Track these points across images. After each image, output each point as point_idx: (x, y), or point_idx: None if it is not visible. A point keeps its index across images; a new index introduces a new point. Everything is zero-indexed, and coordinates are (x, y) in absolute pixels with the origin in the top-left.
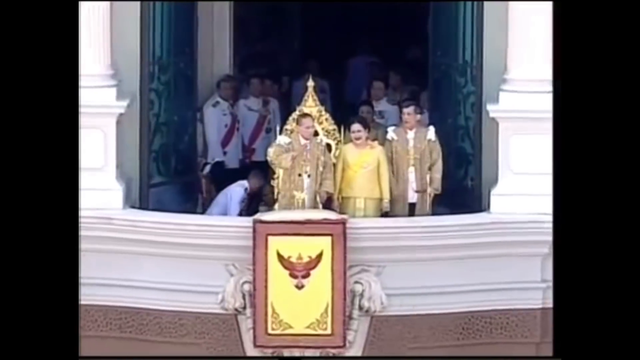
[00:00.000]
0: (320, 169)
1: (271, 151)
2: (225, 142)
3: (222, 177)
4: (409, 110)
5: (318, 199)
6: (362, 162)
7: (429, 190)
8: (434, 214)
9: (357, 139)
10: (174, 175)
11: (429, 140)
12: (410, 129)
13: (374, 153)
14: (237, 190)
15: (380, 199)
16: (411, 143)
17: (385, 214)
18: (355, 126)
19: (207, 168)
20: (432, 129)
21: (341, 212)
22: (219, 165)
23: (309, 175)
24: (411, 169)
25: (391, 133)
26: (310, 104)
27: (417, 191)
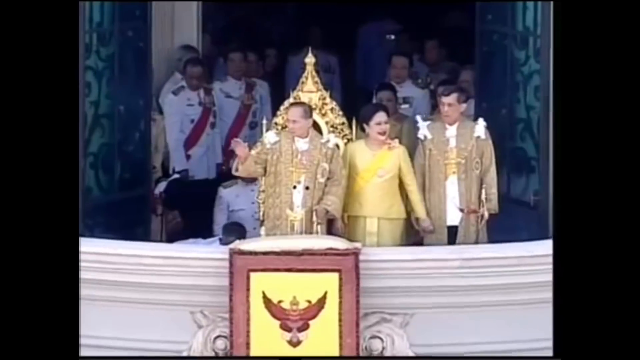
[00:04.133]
0: (320, 179)
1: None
2: (190, 143)
3: (187, 192)
4: (449, 99)
5: (314, 218)
6: (377, 167)
7: (482, 210)
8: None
9: (382, 133)
10: (120, 187)
11: (478, 138)
12: (451, 124)
13: (394, 156)
14: None
15: (402, 220)
16: (453, 143)
17: (416, 242)
18: (381, 115)
19: (161, 186)
20: (481, 122)
21: (348, 238)
22: (179, 179)
23: (306, 188)
24: (452, 179)
25: (424, 129)
26: (310, 88)
27: (462, 210)
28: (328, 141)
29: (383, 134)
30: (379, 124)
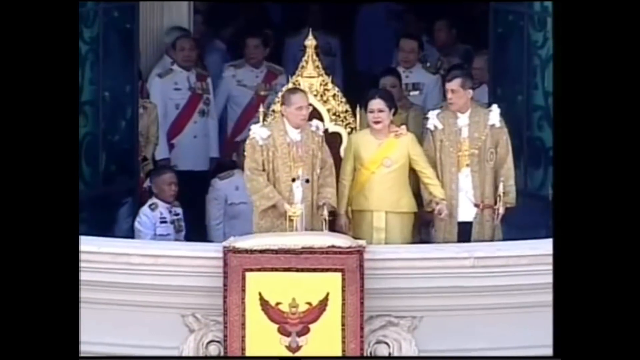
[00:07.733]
0: (318, 170)
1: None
2: (174, 131)
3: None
4: (452, 85)
5: (325, 213)
6: (383, 157)
7: (498, 205)
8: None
9: (377, 122)
10: (105, 181)
11: (492, 126)
12: (461, 112)
13: (401, 144)
14: (143, 219)
15: (412, 213)
16: (465, 132)
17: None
18: (376, 103)
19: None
20: (495, 109)
21: (353, 235)
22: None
23: (306, 181)
24: (465, 172)
25: (433, 119)
26: (311, 73)
27: (477, 205)
28: (318, 128)
29: (377, 122)
30: (371, 111)
